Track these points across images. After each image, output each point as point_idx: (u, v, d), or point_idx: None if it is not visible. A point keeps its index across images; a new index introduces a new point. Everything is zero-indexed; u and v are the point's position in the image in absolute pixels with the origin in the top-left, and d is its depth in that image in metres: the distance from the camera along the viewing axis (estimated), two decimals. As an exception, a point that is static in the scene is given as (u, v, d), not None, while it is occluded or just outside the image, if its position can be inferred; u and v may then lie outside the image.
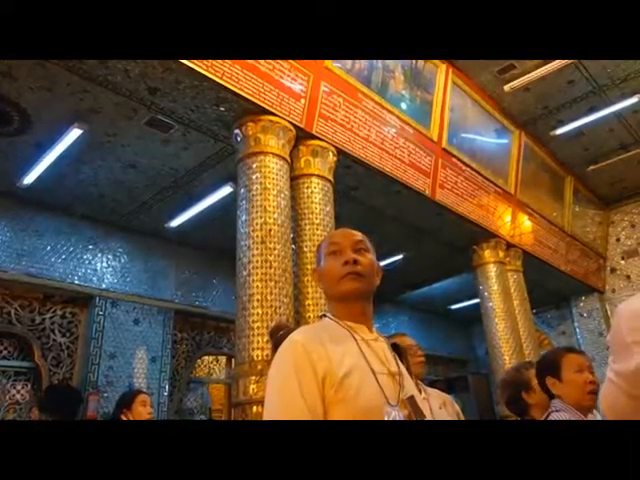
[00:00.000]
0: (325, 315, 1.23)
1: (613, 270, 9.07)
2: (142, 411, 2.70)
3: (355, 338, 1.12)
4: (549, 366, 1.82)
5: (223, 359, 7.24)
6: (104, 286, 5.76)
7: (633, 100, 6.38)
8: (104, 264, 5.84)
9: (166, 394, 5.87)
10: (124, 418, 2.62)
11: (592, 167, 7.89)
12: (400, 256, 7.11)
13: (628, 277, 8.87)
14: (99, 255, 5.83)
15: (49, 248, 5.48)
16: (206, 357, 7.07)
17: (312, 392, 1.00)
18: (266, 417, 1.03)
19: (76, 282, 5.57)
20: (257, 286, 3.55)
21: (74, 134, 4.31)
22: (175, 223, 5.90)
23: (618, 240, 9.15)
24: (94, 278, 5.71)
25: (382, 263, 6.25)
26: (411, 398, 1.11)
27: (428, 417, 1.16)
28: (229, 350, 6.67)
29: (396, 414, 1.05)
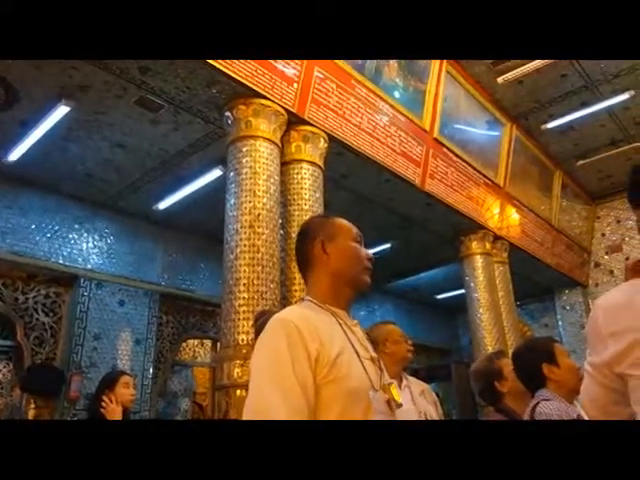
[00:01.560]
0: (305, 298, 1.22)
1: (597, 264, 9.19)
2: (125, 392, 2.68)
3: (339, 322, 1.15)
4: (544, 354, 1.82)
5: (208, 343, 7.25)
6: (89, 267, 5.70)
7: (625, 96, 6.41)
8: (90, 244, 5.78)
9: (150, 376, 5.87)
10: (106, 399, 2.61)
11: (581, 162, 7.95)
12: (388, 245, 7.13)
13: (611, 272, 8.99)
14: (85, 235, 5.77)
15: (34, 226, 5.40)
16: (191, 340, 7.07)
17: (304, 370, 1.00)
18: (255, 392, 1.01)
19: (61, 262, 5.51)
20: (244, 270, 3.54)
21: (62, 111, 4.23)
22: (163, 205, 5.84)
23: (603, 235, 9.25)
24: (79, 258, 5.66)
25: (370, 251, 6.24)
26: (391, 384, 1.14)
27: (404, 405, 1.18)
28: (214, 334, 6.67)
29: (379, 398, 1.07)
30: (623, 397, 0.88)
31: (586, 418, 1.03)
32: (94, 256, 5.78)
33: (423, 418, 2.11)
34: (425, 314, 10.21)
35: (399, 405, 1.12)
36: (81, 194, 5.67)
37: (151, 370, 5.89)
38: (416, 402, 2.16)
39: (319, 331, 1.06)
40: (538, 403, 1.71)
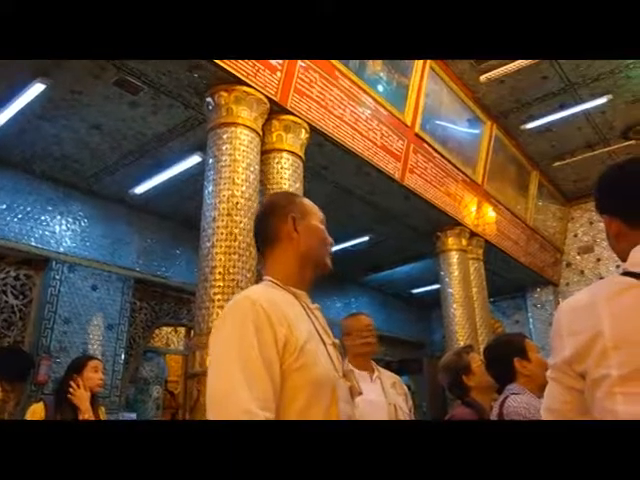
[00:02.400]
0: (265, 278, 1.18)
1: (569, 264, 9.40)
2: (93, 377, 2.65)
3: (302, 305, 1.12)
4: (516, 348, 1.87)
5: (182, 330, 7.20)
6: (62, 249, 5.59)
7: (602, 100, 6.53)
8: (63, 227, 5.66)
9: (121, 362, 5.80)
10: (73, 384, 2.57)
11: (558, 163, 8.08)
12: (366, 238, 7.17)
13: (582, 272, 9.20)
14: (58, 217, 5.64)
15: (4, 206, 5.26)
16: (165, 327, 7.01)
17: (271, 356, 0.97)
18: (220, 374, 0.96)
19: (32, 244, 5.39)
20: (220, 259, 3.52)
21: (37, 89, 4.11)
22: (140, 190, 5.75)
23: (576, 236, 9.46)
24: (52, 241, 5.54)
25: (348, 244, 6.26)
26: (351, 371, 1.13)
27: (375, 396, 1.18)
28: (188, 322, 6.61)
29: (343, 385, 1.06)
30: (584, 404, 0.89)
31: None
32: (67, 239, 5.66)
33: (393, 410, 2.14)
34: (400, 308, 10.32)
35: (359, 393, 1.12)
36: (55, 175, 5.54)
37: (122, 356, 5.82)
38: (387, 394, 2.18)
39: (286, 315, 1.03)
40: (507, 397, 1.74)
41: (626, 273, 0.90)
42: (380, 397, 2.16)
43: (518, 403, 1.68)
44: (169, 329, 7.16)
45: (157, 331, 6.85)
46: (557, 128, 7.20)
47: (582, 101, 6.59)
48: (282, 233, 1.18)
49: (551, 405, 0.95)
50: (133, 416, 5.80)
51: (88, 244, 5.81)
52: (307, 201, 1.27)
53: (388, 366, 5.95)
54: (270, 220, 1.21)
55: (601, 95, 6.48)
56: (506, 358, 1.85)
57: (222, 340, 1.01)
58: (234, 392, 0.92)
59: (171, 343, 7.29)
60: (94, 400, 2.69)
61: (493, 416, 1.77)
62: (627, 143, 7.38)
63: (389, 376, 2.33)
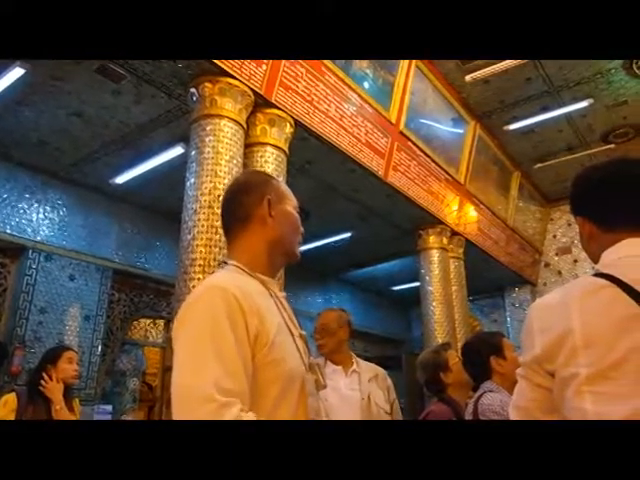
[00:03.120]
0: (229, 262, 1.09)
1: (547, 265, 9.55)
2: (67, 368, 2.61)
3: (270, 294, 1.06)
4: (493, 347, 1.90)
5: (161, 323, 7.13)
6: (39, 238, 5.48)
7: (583, 104, 6.63)
8: (40, 215, 5.55)
9: (98, 354, 5.73)
10: (46, 376, 2.53)
11: (539, 165, 8.19)
12: (349, 234, 7.18)
13: (559, 272, 9.36)
14: (35, 205, 5.53)
15: (-20, 193, 5.15)
16: (143, 320, 6.93)
17: (245, 348, 0.92)
18: (195, 367, 0.90)
19: (8, 232, 5.27)
20: (200, 251, 3.49)
21: (16, 73, 4.01)
22: (121, 180, 5.66)
23: (555, 237, 9.61)
24: (28, 229, 5.43)
25: (330, 240, 6.23)
26: (317, 364, 1.09)
27: (348, 390, 1.17)
28: (168, 314, 6.56)
29: (310, 379, 1.04)
30: (552, 403, 0.89)
31: None
32: (44, 228, 5.56)
33: (366, 404, 2.14)
34: (381, 304, 10.38)
35: (324, 386, 1.11)
36: (33, 162, 5.43)
37: (99, 348, 5.75)
38: (362, 388, 2.19)
39: (258, 306, 0.98)
40: (482, 394, 1.77)
41: (598, 274, 0.91)
42: (354, 391, 2.17)
43: (492, 401, 1.71)
44: (148, 321, 7.08)
45: (135, 323, 6.77)
46: (539, 130, 7.29)
47: (564, 104, 6.68)
48: (255, 215, 1.10)
49: (518, 403, 0.95)
50: (109, 408, 5.73)
51: (66, 233, 5.71)
52: (283, 184, 1.21)
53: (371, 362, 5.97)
54: (243, 199, 1.12)
55: (582, 99, 6.57)
56: (483, 356, 1.88)
57: (193, 333, 0.93)
58: (216, 386, 0.87)
59: (150, 335, 7.21)
60: (68, 392, 2.66)
61: (468, 413, 1.80)
62: (607, 147, 7.51)
63: (370, 369, 2.33)
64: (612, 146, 7.47)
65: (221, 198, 1.20)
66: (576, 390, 0.83)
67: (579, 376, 0.83)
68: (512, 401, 0.99)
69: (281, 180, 4.17)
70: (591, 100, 6.58)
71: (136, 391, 6.52)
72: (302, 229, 1.18)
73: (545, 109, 6.79)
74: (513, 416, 0.97)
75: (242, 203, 1.12)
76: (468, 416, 1.79)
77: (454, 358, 2.19)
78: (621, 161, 1.03)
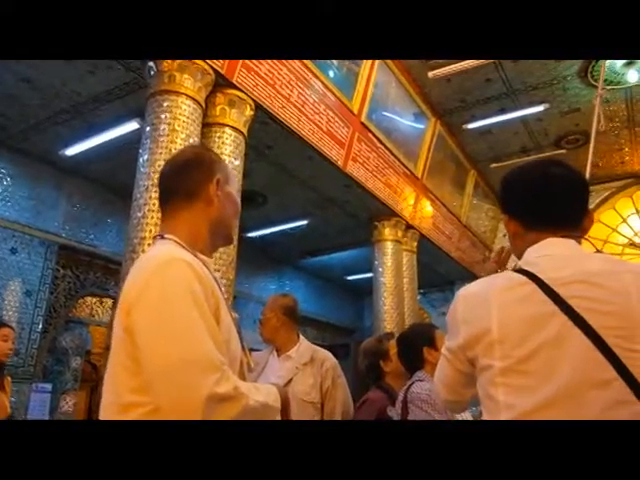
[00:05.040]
0: (166, 236, 1.04)
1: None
2: (2, 346, 2.51)
3: (213, 276, 1.04)
4: (426, 338, 1.98)
5: (108, 301, 6.95)
6: (-20, 208, 5.22)
7: (539, 108, 6.85)
8: (-18, 184, 5.28)
9: (39, 331, 5.53)
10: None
11: (494, 165, 8.41)
12: (305, 222, 7.18)
13: (506, 269, 9.69)
14: (-23, 173, 5.26)
15: None
16: (90, 297, 6.74)
17: (214, 330, 0.90)
18: (190, 340, 0.86)
19: (-54, 199, 5.00)
20: (150, 230, 3.41)
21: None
22: (71, 152, 5.45)
23: (505, 236, 9.90)
24: (-32, 197, 5.16)
25: (287, 226, 6.19)
26: (245, 347, 1.10)
27: (277, 372, 1.17)
28: (115, 293, 6.38)
29: (244, 360, 1.05)
30: (472, 380, 0.95)
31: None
32: (-14, 197, 5.30)
33: (280, 383, 2.13)
34: (334, 293, 10.47)
35: (251, 369, 1.12)
36: (-23, 127, 5.14)
37: (40, 325, 5.55)
38: (286, 374, 2.19)
39: (212, 283, 0.97)
40: (413, 383, 1.83)
41: (519, 270, 0.95)
42: (279, 378, 2.17)
43: (421, 390, 1.77)
44: (94, 299, 6.89)
45: (81, 301, 6.57)
46: (496, 131, 7.48)
47: (521, 107, 6.87)
48: (202, 193, 1.06)
49: (443, 380, 1.05)
50: (48, 387, 5.56)
51: (10, 204, 5.46)
52: (231, 172, 1.20)
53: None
54: (193, 174, 1.07)
55: (539, 103, 6.79)
56: (416, 347, 1.97)
57: (175, 305, 0.88)
58: (216, 356, 0.86)
59: (96, 314, 7.02)
60: (1, 369, 2.55)
61: (398, 401, 1.86)
62: (559, 151, 7.79)
63: (307, 354, 2.30)
64: (563, 151, 7.75)
65: (162, 167, 1.15)
66: (490, 381, 0.87)
67: (493, 368, 0.87)
68: (437, 376, 1.07)
69: (238, 163, 4.13)
70: (547, 105, 6.80)
71: (78, 370, 6.34)
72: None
73: (503, 111, 6.97)
74: (440, 390, 1.06)
75: (191, 178, 1.07)
76: (398, 404, 1.85)
77: (394, 347, 2.25)
78: (547, 164, 1.07)
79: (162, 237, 1.04)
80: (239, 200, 1.18)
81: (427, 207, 7.53)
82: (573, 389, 0.81)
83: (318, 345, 2.48)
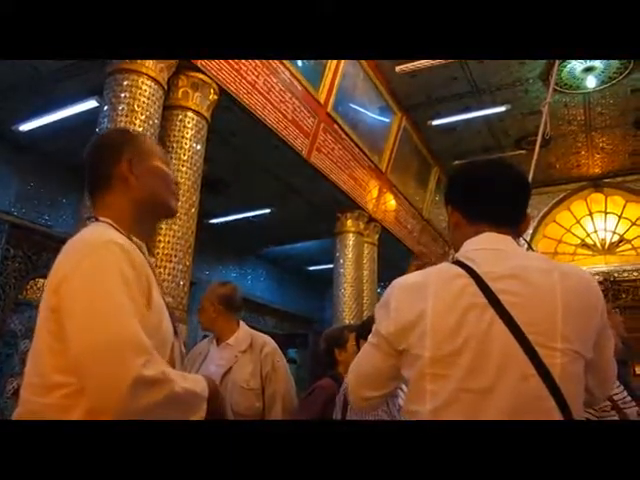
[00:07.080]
0: (100, 219, 1.03)
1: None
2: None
3: (147, 260, 1.02)
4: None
5: (62, 284, 6.75)
6: None
7: (502, 109, 7.00)
8: None
9: (-14, 313, 5.33)
10: None
11: (457, 162, 8.53)
12: (268, 210, 7.15)
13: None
14: None
15: None
16: (42, 279, 6.52)
17: (143, 314, 0.90)
18: (117, 320, 0.84)
19: None
20: (105, 213, 3.32)
21: None
22: (25, 127, 5.23)
23: (464, 232, 10.14)
24: None
25: (249, 214, 6.12)
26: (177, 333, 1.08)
27: (214, 361, 1.17)
28: (69, 276, 6.21)
29: (176, 348, 1.04)
30: (397, 372, 0.97)
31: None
32: None
33: (220, 372, 2.16)
34: (295, 283, 10.48)
35: (183, 355, 1.12)
36: None
37: (-13, 306, 5.34)
38: (225, 362, 2.21)
39: (145, 267, 0.96)
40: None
41: (456, 262, 0.98)
42: (218, 367, 2.19)
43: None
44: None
45: (33, 283, 6.35)
46: (460, 129, 7.62)
47: (484, 106, 7.01)
48: (115, 177, 1.05)
49: (368, 372, 1.03)
50: (-6, 371, 5.37)
51: (-43, 179, 5.22)
52: (148, 139, 1.18)
53: (274, 339, 6.02)
54: (100, 161, 1.07)
55: (501, 104, 6.94)
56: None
57: (103, 286, 0.87)
58: (144, 339, 0.85)
59: (48, 297, 6.81)
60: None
61: (339, 400, 1.98)
62: (518, 152, 7.99)
63: (246, 341, 2.28)
64: (523, 152, 7.95)
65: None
66: (419, 370, 0.89)
67: (423, 358, 0.89)
68: (356, 371, 1.05)
69: (199, 148, 4.06)
70: (509, 106, 6.96)
71: (27, 353, 6.15)
72: (175, 178, 1.16)
73: (467, 109, 7.09)
74: (361, 385, 1.04)
75: (99, 166, 1.07)
76: (339, 403, 1.97)
77: (352, 340, 2.29)
78: (496, 163, 1.11)
79: (96, 219, 1.03)
80: (166, 169, 1.13)
81: (390, 201, 7.61)
82: (496, 382, 0.84)
83: (276, 334, 2.51)
